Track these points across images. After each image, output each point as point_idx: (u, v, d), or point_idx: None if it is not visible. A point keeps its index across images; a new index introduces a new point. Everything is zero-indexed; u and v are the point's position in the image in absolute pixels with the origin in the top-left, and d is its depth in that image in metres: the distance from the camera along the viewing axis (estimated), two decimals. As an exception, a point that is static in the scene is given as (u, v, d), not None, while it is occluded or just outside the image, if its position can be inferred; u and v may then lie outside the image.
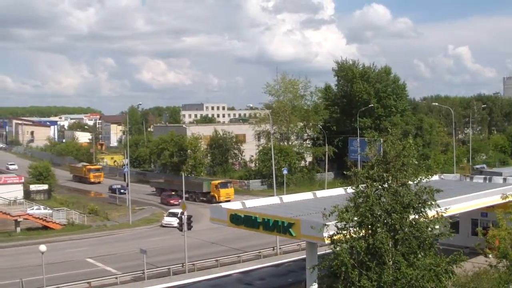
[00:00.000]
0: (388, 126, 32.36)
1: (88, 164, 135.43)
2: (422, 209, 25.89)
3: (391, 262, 25.01)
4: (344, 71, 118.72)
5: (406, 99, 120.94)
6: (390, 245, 25.04)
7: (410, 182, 26.24)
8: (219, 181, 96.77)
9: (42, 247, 43.33)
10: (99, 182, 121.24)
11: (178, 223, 69.86)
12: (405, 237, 25.21)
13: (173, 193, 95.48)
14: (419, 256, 25.22)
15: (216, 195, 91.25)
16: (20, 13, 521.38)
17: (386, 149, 27.00)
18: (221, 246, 61.96)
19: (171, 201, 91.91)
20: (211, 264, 53.25)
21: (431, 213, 26.21)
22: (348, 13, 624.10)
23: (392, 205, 25.29)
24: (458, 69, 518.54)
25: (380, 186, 26.24)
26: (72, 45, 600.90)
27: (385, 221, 25.30)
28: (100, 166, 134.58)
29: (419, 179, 26.38)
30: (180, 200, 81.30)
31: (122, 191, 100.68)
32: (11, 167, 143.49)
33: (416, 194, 25.83)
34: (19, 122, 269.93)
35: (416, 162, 27.07)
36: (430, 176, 27.34)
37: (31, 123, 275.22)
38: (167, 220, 75.35)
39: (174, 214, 73.29)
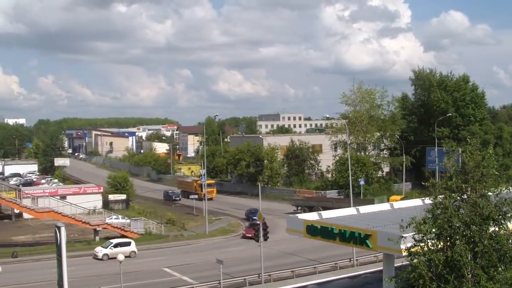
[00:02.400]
0: (467, 136, 31.81)
1: (198, 178, 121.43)
2: (503, 221, 25.32)
3: (470, 275, 24.49)
4: (421, 80, 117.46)
5: (485, 107, 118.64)
6: (469, 258, 24.54)
7: (489, 194, 25.70)
8: (401, 196, 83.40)
9: (120, 256, 43.91)
10: (211, 199, 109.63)
11: (103, 255, 64.27)
12: (484, 250, 24.67)
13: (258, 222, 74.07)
14: (500, 269, 24.65)
15: None
16: (98, 27, 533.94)
17: (465, 160, 26.51)
18: (297, 256, 61.74)
19: (247, 234, 73.77)
20: (287, 275, 53.10)
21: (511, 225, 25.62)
22: (425, 21, 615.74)
23: (471, 217, 24.82)
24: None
25: (458, 198, 25.79)
26: (149, 57, 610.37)
27: (464, 233, 24.85)
28: (213, 181, 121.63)
29: (499, 190, 25.81)
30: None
31: (254, 217, 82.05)
32: None
33: (496, 206, 25.28)
34: (99, 133, 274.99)
35: (496, 173, 26.45)
36: (510, 187, 26.63)
37: (110, 134, 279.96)
38: (96, 250, 66.18)
39: (108, 244, 66.15)
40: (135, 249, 66.44)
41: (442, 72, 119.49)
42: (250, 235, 68.62)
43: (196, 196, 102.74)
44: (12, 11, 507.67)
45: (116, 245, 65.38)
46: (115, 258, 59.66)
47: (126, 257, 59.33)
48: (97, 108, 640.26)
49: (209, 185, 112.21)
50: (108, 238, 75.85)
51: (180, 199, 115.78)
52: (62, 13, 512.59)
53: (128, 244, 66.76)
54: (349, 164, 77.75)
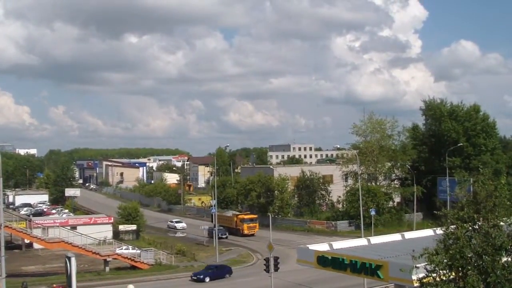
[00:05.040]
0: (478, 165, 31.55)
1: (239, 213, 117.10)
2: (515, 252, 25.06)
3: (483, 306, 24.21)
4: (432, 110, 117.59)
5: (496, 137, 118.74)
6: (482, 288, 24.28)
7: (502, 223, 25.47)
8: None
9: (130, 287, 43.79)
10: (252, 235, 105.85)
11: None
12: (497, 281, 24.35)
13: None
14: (513, 300, 24.36)
15: None
16: (110, 58, 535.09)
17: (476, 189, 26.31)
18: None
19: None
20: (298, 306, 52.84)
21: (525, 256, 25.34)
22: (436, 51, 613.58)
23: (483, 247, 24.55)
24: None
25: (470, 228, 25.55)
26: (161, 88, 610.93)
27: (476, 263, 24.58)
28: (255, 215, 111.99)
29: (511, 220, 25.59)
30: None
31: None
32: (178, 225, 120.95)
33: (508, 236, 24.99)
34: (109, 163, 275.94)
35: (508, 203, 26.23)
36: (523, 217, 26.40)
37: (120, 164, 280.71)
38: None
39: None
40: None
41: (452, 102, 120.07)
42: None
43: (206, 227, 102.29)
44: (24, 42, 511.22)
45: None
46: None
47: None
48: (108, 138, 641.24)
49: (251, 219, 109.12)
50: (118, 268, 75.79)
51: (227, 237, 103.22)
52: (74, 44, 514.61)
53: None
54: (360, 195, 77.66)
